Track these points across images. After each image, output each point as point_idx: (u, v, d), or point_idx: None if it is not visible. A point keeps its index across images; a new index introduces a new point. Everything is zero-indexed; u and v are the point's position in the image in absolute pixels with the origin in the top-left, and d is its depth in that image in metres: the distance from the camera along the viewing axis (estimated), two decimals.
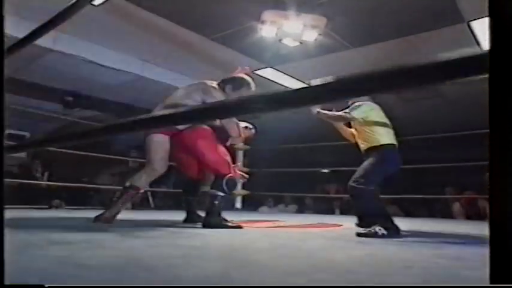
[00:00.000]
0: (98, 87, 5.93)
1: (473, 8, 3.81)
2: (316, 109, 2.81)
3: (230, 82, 2.97)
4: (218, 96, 2.77)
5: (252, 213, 5.84)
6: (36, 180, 6.28)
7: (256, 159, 6.30)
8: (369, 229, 2.41)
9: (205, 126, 2.85)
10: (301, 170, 5.24)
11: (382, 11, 4.05)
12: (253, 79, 3.10)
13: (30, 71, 5.08)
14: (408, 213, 6.20)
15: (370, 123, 2.77)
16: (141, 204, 6.43)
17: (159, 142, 2.74)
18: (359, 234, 2.42)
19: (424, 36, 4.50)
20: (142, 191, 2.87)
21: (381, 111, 2.87)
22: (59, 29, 4.90)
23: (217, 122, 2.94)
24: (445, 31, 4.32)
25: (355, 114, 2.76)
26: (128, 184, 2.74)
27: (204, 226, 2.73)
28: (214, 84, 2.91)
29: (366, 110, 2.78)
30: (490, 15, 0.39)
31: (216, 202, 2.78)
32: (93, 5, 4.04)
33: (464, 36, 4.28)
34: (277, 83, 6.27)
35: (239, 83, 2.99)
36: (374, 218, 2.47)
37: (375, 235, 2.36)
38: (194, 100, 2.78)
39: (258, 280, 0.81)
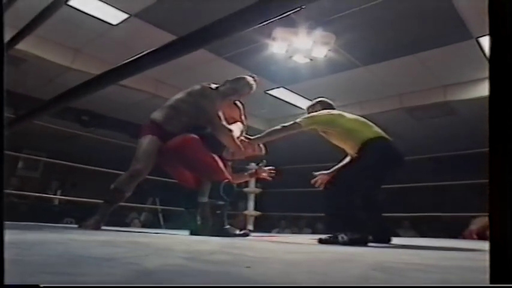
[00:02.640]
0: (113, 106, 6.08)
1: (481, 25, 3.85)
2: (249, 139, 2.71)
3: (230, 81, 2.92)
4: (212, 97, 2.73)
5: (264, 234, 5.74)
6: (50, 198, 6.37)
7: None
8: (331, 235, 2.27)
9: (193, 135, 2.73)
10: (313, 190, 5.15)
11: (391, 28, 4.11)
12: (256, 84, 2.99)
13: (48, 90, 5.25)
14: (424, 234, 6.05)
15: (341, 128, 2.55)
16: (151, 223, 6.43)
17: (146, 141, 2.67)
18: (320, 241, 2.30)
19: (433, 53, 4.54)
20: (128, 194, 2.74)
21: (346, 113, 2.66)
22: (76, 48, 5.05)
23: (208, 131, 2.87)
24: (454, 48, 4.35)
25: (304, 123, 2.57)
26: (112, 187, 2.66)
27: (212, 236, 2.68)
28: (212, 86, 2.85)
29: (323, 119, 2.60)
30: (490, 20, 0.41)
31: (219, 212, 2.73)
32: (112, 25, 4.23)
33: (473, 52, 4.29)
34: (289, 103, 6.34)
35: (239, 82, 2.92)
36: (341, 226, 2.27)
37: (335, 241, 2.20)
38: (190, 104, 2.73)
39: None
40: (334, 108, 2.82)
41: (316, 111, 2.76)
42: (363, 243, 2.20)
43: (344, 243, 2.15)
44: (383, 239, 2.44)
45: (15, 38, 1.34)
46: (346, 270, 0.76)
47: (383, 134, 2.53)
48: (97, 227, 2.57)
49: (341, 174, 2.48)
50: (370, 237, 2.31)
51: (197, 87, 2.81)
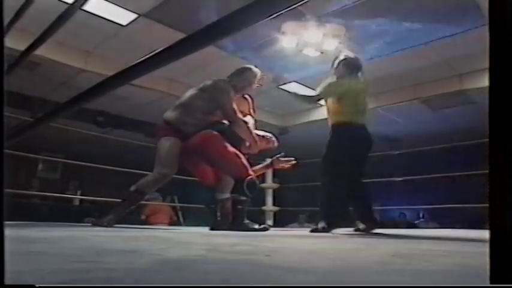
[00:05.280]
0: (127, 106, 6.16)
1: None
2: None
3: (236, 74, 2.93)
4: (226, 90, 2.74)
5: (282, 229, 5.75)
6: (70, 199, 6.51)
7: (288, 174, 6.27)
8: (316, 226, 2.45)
9: (213, 131, 2.74)
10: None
11: (402, 18, 4.05)
12: (262, 77, 3.02)
13: (62, 92, 5.35)
14: (444, 226, 5.97)
15: (345, 101, 2.68)
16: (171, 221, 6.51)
17: (168, 144, 2.67)
18: (312, 231, 2.44)
19: (447, 41, 4.45)
20: (147, 196, 2.81)
21: (356, 90, 2.76)
22: (88, 50, 5.10)
23: (226, 126, 2.89)
24: (469, 34, 4.25)
25: (318, 90, 2.73)
26: (133, 188, 2.66)
27: (232, 230, 2.70)
28: (223, 78, 2.86)
29: (331, 86, 2.71)
30: (490, 18, 0.41)
31: (240, 207, 2.76)
32: (122, 25, 4.28)
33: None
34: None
35: (245, 73, 2.94)
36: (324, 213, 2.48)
37: (315, 230, 2.39)
38: (204, 99, 2.73)
39: None
40: (360, 67, 2.87)
41: (341, 75, 2.82)
42: (333, 227, 2.42)
43: (323, 230, 2.35)
44: (369, 226, 2.49)
45: (33, 45, 1.37)
46: (366, 257, 0.77)
47: (356, 119, 2.63)
48: (110, 225, 2.57)
49: (324, 166, 2.62)
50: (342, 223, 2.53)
51: (209, 82, 2.80)
